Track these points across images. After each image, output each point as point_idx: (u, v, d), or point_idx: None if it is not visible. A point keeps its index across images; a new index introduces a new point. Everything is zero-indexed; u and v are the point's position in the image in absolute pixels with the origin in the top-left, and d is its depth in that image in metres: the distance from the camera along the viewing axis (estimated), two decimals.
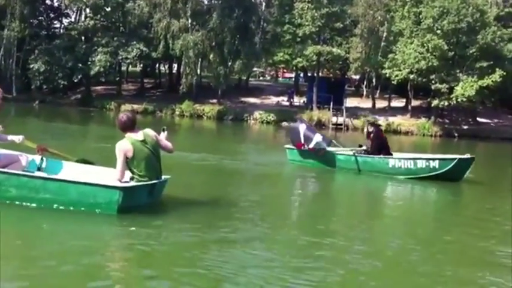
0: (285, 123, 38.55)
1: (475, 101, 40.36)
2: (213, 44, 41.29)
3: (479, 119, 42.86)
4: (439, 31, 38.14)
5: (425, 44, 38.45)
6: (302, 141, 13.46)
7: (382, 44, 40.93)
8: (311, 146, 13.31)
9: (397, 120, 39.96)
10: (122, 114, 6.97)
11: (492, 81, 37.18)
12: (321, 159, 13.42)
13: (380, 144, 12.80)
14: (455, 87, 38.13)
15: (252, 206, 8.02)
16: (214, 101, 41.22)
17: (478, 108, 44.01)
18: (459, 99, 38.07)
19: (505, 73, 37.45)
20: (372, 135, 13.07)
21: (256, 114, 39.56)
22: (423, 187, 11.44)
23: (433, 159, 12.12)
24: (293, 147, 13.97)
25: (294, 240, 6.16)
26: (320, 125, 38.51)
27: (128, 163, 6.72)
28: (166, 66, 54.45)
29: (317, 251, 5.73)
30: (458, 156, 11.97)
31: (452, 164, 11.73)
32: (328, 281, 4.84)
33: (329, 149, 13.58)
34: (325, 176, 12.73)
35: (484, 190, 12.04)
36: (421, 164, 12.06)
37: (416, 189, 11.42)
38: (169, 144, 7.25)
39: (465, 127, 41.03)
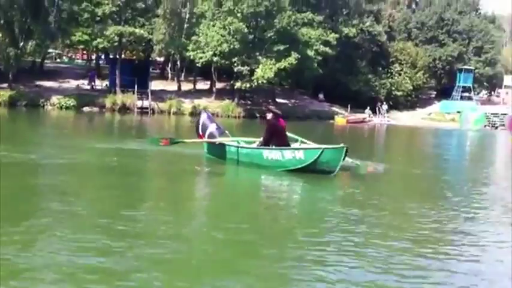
0: (86, 108, 36.38)
1: (274, 83, 42.62)
2: (1, 22, 37.08)
3: (278, 100, 45.40)
4: (239, 14, 39.17)
5: (227, 27, 39.27)
6: (200, 131, 13.24)
7: (186, 25, 40.75)
8: (206, 136, 13.00)
9: (202, 103, 40.33)
10: None
11: (289, 63, 39.49)
12: (217, 151, 12.85)
13: (271, 132, 11.66)
14: (255, 70, 39.66)
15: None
16: (5, 85, 37.08)
17: (277, 89, 46.62)
18: (259, 81, 39.77)
19: (300, 56, 40.04)
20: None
21: (54, 99, 36.57)
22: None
23: (298, 149, 11.31)
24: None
25: None
26: (125, 109, 37.21)
27: None
28: None
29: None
30: (324, 146, 11.10)
31: (318, 155, 10.87)
32: None
33: (222, 139, 12.91)
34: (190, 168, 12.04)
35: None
36: (288, 154, 11.23)
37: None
38: None
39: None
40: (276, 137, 11.60)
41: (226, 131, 13.46)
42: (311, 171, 10.85)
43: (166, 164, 12.67)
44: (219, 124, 13.71)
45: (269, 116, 11.81)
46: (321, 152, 10.90)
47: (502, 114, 50.48)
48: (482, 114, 50.40)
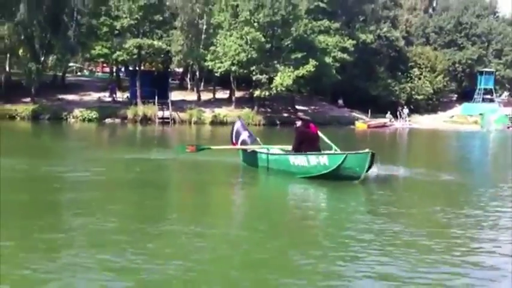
0: (108, 120, 36.73)
1: (293, 90, 42.65)
2: (22, 37, 37.71)
3: (297, 107, 45.35)
4: (256, 24, 39.35)
5: (244, 37, 39.46)
6: (234, 139, 13.41)
7: (203, 36, 41.03)
8: (238, 143, 13.16)
9: (222, 112, 40.50)
10: None
11: (307, 70, 39.53)
12: (250, 158, 12.97)
13: (300, 139, 11.46)
14: (274, 78, 39.75)
15: None
16: (28, 99, 37.64)
17: (296, 96, 46.61)
18: (278, 89, 39.87)
19: (317, 63, 40.05)
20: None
21: (77, 111, 37.01)
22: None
23: (322, 155, 11.04)
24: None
25: None
26: (146, 120, 37.50)
27: None
28: None
29: None
30: (348, 152, 10.83)
31: (342, 160, 10.58)
32: None
33: (252, 146, 13.04)
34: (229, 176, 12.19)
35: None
36: (313, 160, 10.99)
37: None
38: None
39: (285, 115, 43.08)
40: (305, 144, 11.39)
41: (257, 139, 13.50)
42: (336, 177, 10.59)
43: (200, 172, 12.59)
44: (251, 132, 13.75)
45: (298, 123, 11.74)
46: (345, 158, 10.59)
47: None
48: (503, 115, 49.72)
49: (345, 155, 10.68)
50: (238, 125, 13.75)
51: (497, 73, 59.87)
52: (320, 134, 11.77)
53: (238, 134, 13.37)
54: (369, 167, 10.67)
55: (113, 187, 10.32)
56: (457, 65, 60.29)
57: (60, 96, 40.22)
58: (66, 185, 10.46)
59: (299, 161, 11.24)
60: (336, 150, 11.71)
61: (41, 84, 38.83)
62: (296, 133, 11.70)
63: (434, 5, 74.24)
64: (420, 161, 18.72)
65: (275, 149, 12.74)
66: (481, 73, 58.95)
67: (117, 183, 10.79)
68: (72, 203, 8.53)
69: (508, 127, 48.55)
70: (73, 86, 44.63)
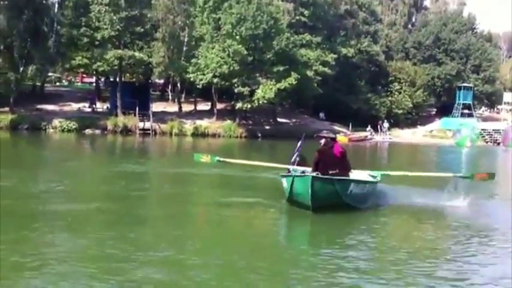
0: (88, 131, 36.32)
1: (275, 103, 42.73)
2: (1, 47, 37.30)
3: (279, 120, 45.45)
4: (238, 37, 39.40)
5: (226, 49, 39.46)
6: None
7: (185, 48, 40.95)
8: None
9: (204, 124, 40.36)
10: None
11: (289, 83, 39.67)
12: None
13: (315, 162, 10.01)
14: (256, 90, 39.78)
15: None
16: (6, 109, 37.07)
17: (278, 109, 46.71)
18: (260, 102, 39.88)
19: (299, 76, 40.22)
20: None
21: (56, 122, 36.54)
22: None
23: (288, 177, 9.87)
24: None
25: None
26: (126, 131, 37.17)
27: None
28: None
29: None
30: (295, 174, 9.78)
31: (290, 183, 9.50)
32: None
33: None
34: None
35: None
36: (284, 183, 10.04)
37: None
38: None
39: (267, 127, 43.13)
40: (322, 165, 9.82)
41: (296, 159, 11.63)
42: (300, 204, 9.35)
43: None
44: (297, 152, 11.75)
45: (322, 141, 10.18)
46: (292, 181, 9.35)
47: (503, 130, 50.43)
48: (476, 131, 49.02)
49: (292, 178, 9.38)
50: (298, 144, 11.91)
51: (475, 88, 60.75)
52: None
53: (293, 153, 11.77)
54: (330, 198, 9.13)
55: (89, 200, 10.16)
56: (436, 80, 61.08)
57: (39, 106, 39.68)
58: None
59: (283, 183, 10.21)
60: (371, 175, 10.73)
61: (19, 94, 38.31)
62: (316, 153, 10.26)
63: (413, 20, 75.50)
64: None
65: (298, 170, 11.02)
66: (460, 88, 59.75)
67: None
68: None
69: (487, 142, 49.11)
70: (52, 96, 44.11)
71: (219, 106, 44.13)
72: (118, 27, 38.65)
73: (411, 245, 7.39)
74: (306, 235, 8.75)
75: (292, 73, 40.00)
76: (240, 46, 39.03)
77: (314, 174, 9.17)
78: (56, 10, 40.98)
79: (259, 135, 40.67)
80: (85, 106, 41.50)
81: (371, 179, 11.17)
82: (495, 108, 71.80)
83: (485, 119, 60.96)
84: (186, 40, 41.27)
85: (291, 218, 9.65)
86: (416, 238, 7.98)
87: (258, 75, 40.40)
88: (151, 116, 38.77)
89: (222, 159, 12.21)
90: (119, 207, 9.39)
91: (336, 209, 9.15)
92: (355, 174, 10.81)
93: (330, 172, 9.53)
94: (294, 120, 47.87)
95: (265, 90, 39.45)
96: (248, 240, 7.53)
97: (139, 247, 6.52)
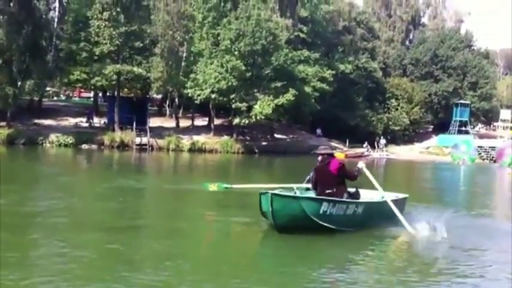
0: (85, 146, 36.24)
1: (272, 119, 42.80)
2: (0, 61, 37.29)
3: (276, 135, 45.53)
4: (236, 52, 39.56)
5: (224, 65, 39.59)
6: None
7: (183, 63, 41.09)
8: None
9: (201, 139, 40.35)
10: None
11: (286, 100, 39.76)
12: None
13: (314, 180, 9.81)
14: (254, 106, 39.85)
15: None
16: (3, 123, 37.03)
17: (275, 125, 46.79)
18: (258, 117, 39.92)
19: (297, 92, 40.34)
20: None
21: (53, 137, 36.46)
22: None
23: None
24: None
25: None
26: (123, 146, 37.13)
27: None
28: None
29: None
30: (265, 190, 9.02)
31: (259, 201, 8.99)
32: None
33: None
34: None
35: None
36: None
37: None
38: None
39: (264, 143, 43.16)
40: (320, 183, 9.59)
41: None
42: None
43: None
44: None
45: (319, 159, 9.79)
46: (260, 198, 8.87)
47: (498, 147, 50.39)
48: (472, 149, 48.96)
49: (259, 194, 8.86)
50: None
51: (472, 105, 61.01)
52: (347, 170, 9.74)
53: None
54: (297, 219, 8.50)
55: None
56: (433, 97, 61.34)
57: (37, 121, 39.67)
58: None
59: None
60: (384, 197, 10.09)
61: (17, 109, 38.32)
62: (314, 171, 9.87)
63: (411, 37, 75.98)
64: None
65: (302, 188, 10.58)
66: (457, 105, 60.03)
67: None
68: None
69: (483, 159, 49.16)
70: (50, 110, 44.11)
71: (217, 122, 44.19)
72: (117, 42, 38.76)
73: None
74: (271, 256, 8.19)
75: (290, 89, 40.10)
76: (238, 62, 39.16)
77: (277, 191, 8.83)
78: (55, 25, 41.12)
79: (256, 151, 40.69)
80: (82, 121, 41.48)
81: (377, 199, 10.45)
82: (491, 125, 72.02)
83: (481, 136, 61.14)
84: (184, 55, 41.42)
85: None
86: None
87: (256, 91, 40.48)
88: (148, 131, 38.78)
89: (229, 185, 12.65)
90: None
91: (311, 231, 8.45)
92: (369, 195, 10.55)
93: (327, 191, 9.25)
94: (291, 136, 47.94)
95: (263, 106, 39.52)
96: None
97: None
